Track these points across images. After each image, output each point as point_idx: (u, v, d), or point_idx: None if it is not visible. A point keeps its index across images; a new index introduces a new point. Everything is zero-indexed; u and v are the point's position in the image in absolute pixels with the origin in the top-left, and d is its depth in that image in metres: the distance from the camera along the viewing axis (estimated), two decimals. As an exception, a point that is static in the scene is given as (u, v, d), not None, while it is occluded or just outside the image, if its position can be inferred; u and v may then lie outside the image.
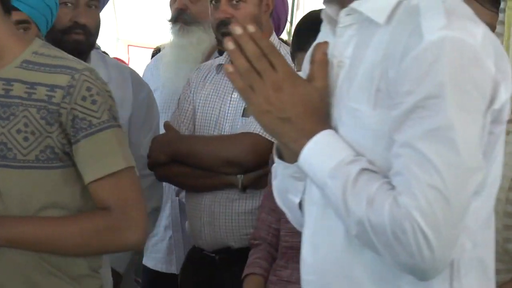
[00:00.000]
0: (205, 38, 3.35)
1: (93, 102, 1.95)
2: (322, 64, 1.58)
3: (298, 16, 6.02)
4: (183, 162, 2.91)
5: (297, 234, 2.25)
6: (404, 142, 1.45)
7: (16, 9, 2.48)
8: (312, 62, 1.59)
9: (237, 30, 1.56)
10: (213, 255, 2.90)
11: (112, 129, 1.97)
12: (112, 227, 1.98)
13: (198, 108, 3.01)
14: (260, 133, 2.79)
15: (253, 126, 2.80)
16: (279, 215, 2.49)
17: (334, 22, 1.62)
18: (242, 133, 2.84)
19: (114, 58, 5.65)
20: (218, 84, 3.00)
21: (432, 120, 1.43)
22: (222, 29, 2.88)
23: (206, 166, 2.86)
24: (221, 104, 2.96)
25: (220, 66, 3.01)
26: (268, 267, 2.58)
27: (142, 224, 2.00)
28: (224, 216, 2.88)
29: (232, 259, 2.86)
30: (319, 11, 2.32)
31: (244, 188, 2.84)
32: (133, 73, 3.28)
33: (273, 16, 3.45)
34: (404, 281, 1.52)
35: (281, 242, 2.54)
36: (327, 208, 1.56)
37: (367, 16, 1.55)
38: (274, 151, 1.68)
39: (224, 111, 2.95)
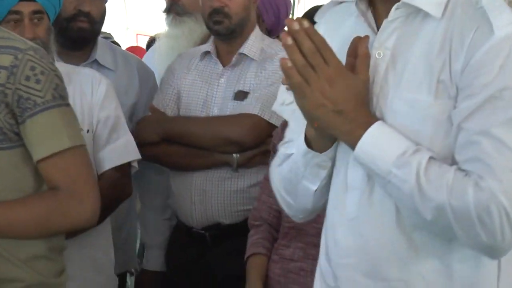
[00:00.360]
0: (196, 28, 3.41)
1: (37, 81, 1.90)
2: (366, 57, 1.61)
3: (299, 9, 6.04)
4: (176, 142, 2.93)
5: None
6: (481, 130, 1.52)
7: (33, 0, 2.57)
8: (349, 55, 1.62)
9: (295, 25, 1.55)
10: (203, 232, 2.93)
11: (57, 108, 1.92)
12: (61, 207, 1.93)
13: (183, 93, 3.02)
14: (259, 114, 2.84)
15: (251, 107, 2.86)
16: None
17: (365, 15, 1.68)
18: (243, 114, 2.87)
19: (131, 47, 5.75)
20: (203, 70, 3.03)
21: (509, 110, 1.51)
22: (215, 17, 2.92)
23: (205, 145, 2.89)
24: (208, 88, 2.99)
25: (205, 53, 3.04)
26: (270, 247, 2.60)
27: (92, 202, 1.95)
28: (216, 194, 2.91)
29: (223, 235, 2.91)
30: (320, 7, 2.39)
31: (237, 167, 2.89)
32: (139, 62, 3.33)
33: (272, 7, 3.54)
34: (455, 258, 1.61)
35: (283, 223, 2.57)
36: (373, 193, 1.63)
37: (422, 10, 1.60)
38: (302, 140, 1.70)
39: (212, 95, 2.97)
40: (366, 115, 1.59)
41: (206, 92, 2.99)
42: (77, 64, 2.94)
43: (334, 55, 1.57)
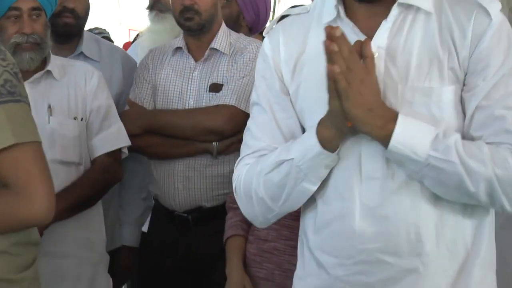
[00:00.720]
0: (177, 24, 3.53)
1: None
2: (373, 58, 1.67)
3: (280, 7, 6.02)
4: (158, 134, 2.98)
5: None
6: (503, 105, 1.65)
7: (32, -2, 2.66)
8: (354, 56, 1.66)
9: (338, 32, 1.62)
10: (185, 215, 3.00)
11: (3, 105, 1.81)
12: (6, 205, 1.81)
13: (159, 87, 3.07)
14: (236, 105, 2.92)
15: (227, 99, 2.94)
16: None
17: (346, 20, 1.75)
18: (221, 105, 2.93)
19: (127, 43, 5.78)
20: (176, 65, 3.09)
21: None
22: (185, 14, 3.00)
23: (187, 136, 2.95)
24: (182, 82, 3.04)
25: (177, 49, 3.10)
26: (247, 229, 2.63)
27: (41, 199, 1.80)
28: (199, 180, 2.99)
29: (204, 217, 2.99)
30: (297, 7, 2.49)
31: (217, 154, 2.96)
32: (124, 54, 3.41)
33: (252, 5, 3.64)
34: (467, 229, 1.74)
35: None
36: (394, 179, 1.70)
37: (418, 7, 1.70)
38: (314, 142, 1.71)
39: (186, 88, 3.03)
40: (389, 109, 1.67)
41: (181, 85, 3.04)
42: (65, 56, 3.02)
43: (358, 58, 1.65)
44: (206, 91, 3.01)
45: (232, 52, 3.05)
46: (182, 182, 3.01)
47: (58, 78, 2.80)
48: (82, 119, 2.80)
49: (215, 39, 3.06)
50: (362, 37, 1.72)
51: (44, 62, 2.80)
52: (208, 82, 3.02)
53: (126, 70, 3.28)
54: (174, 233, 3.04)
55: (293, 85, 1.82)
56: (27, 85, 2.70)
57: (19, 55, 2.70)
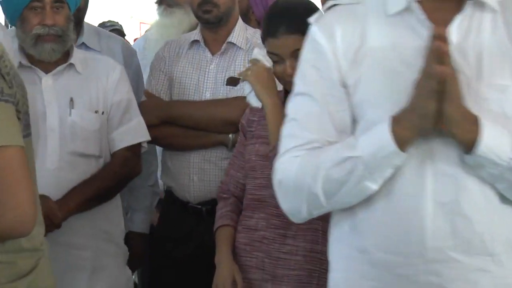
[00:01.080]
0: (185, 18, 3.47)
1: None
2: (449, 55, 1.61)
3: None
4: (174, 124, 2.99)
5: (264, 189, 2.44)
6: None
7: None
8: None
9: (446, 33, 1.60)
10: (199, 206, 3.02)
11: None
12: None
13: (175, 79, 3.07)
14: None
15: (244, 92, 2.92)
16: (246, 172, 2.58)
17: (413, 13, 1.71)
18: (238, 97, 2.90)
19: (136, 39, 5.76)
20: (192, 58, 3.09)
21: None
22: (204, 6, 3.00)
23: (203, 127, 2.96)
24: (199, 74, 3.05)
25: (193, 42, 3.10)
26: (237, 219, 2.61)
27: (22, 208, 1.66)
28: (214, 172, 2.99)
29: None
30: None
31: (232, 146, 2.93)
32: (123, 43, 3.42)
33: (261, 0, 3.60)
34: None
35: (247, 195, 2.57)
36: (469, 177, 1.65)
37: (486, 4, 1.69)
38: (389, 142, 1.65)
39: (203, 81, 3.04)
40: (469, 111, 1.63)
41: (197, 78, 3.05)
42: None
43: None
44: (223, 85, 3.01)
45: (249, 47, 3.05)
46: (197, 174, 3.01)
47: (80, 71, 2.80)
48: (103, 113, 2.80)
49: (232, 33, 3.05)
50: (430, 29, 1.67)
51: (67, 55, 2.80)
52: (224, 75, 3.02)
53: (127, 59, 3.29)
54: (187, 225, 3.04)
55: (353, 77, 1.74)
56: (49, 77, 2.73)
57: (40, 46, 2.70)
